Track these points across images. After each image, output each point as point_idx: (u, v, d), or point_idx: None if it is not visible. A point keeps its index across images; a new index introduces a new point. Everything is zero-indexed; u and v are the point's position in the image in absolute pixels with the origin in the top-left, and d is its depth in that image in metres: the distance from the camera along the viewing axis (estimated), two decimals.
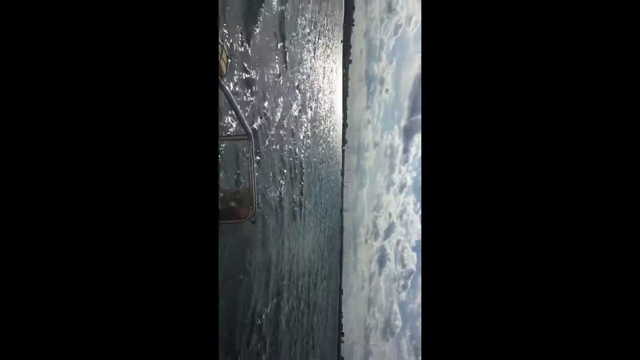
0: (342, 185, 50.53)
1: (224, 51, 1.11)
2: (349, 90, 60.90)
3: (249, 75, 5.70)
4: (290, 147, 9.04)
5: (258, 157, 6.33)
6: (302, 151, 11.06)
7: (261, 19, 6.34)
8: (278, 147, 7.77)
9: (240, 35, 5.31)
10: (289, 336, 8.88)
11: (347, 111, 59.58)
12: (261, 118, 6.48)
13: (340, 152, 42.61)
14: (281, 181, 8.05)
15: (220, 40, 1.05)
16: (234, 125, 4.31)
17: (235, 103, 1.37)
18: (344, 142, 55.84)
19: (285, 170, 8.41)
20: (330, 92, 22.55)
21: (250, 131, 1.77)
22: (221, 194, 1.90)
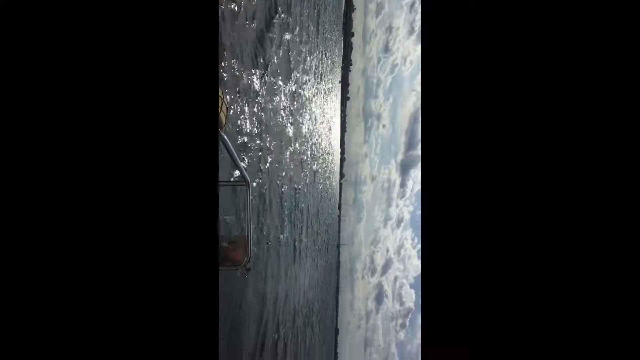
0: (339, 218, 50.24)
1: (223, 103, 1.13)
2: (347, 125, 62.24)
3: (254, 112, 5.95)
4: (290, 186, 9.18)
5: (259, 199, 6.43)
6: (302, 189, 11.20)
7: (269, 63, 6.71)
8: (278, 187, 7.91)
9: (248, 78, 5.61)
10: None
11: (345, 146, 60.56)
12: (263, 158, 6.67)
13: (338, 186, 42.77)
14: (282, 221, 8.11)
15: (220, 93, 1.10)
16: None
17: (234, 151, 1.40)
18: (342, 175, 56.23)
19: (284, 210, 8.50)
20: (329, 130, 23.09)
21: (248, 178, 1.80)
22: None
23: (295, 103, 9.76)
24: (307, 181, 12.54)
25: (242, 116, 5.46)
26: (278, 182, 7.80)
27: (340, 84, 37.24)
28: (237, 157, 1.49)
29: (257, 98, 6.09)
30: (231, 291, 4.95)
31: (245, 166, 5.19)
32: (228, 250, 1.90)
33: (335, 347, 47.98)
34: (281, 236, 8.07)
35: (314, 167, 14.91)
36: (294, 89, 9.44)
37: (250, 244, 1.87)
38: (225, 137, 1.23)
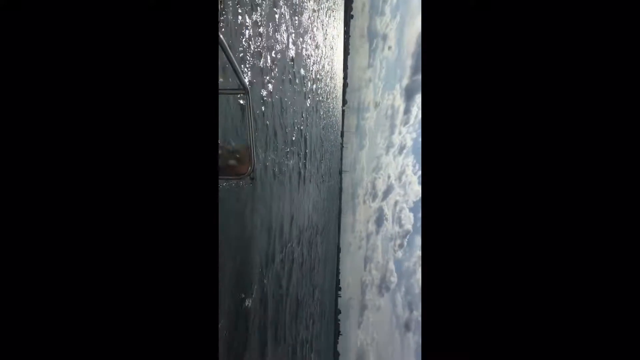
0: (342, 146, 50.32)
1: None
2: (350, 47, 58.69)
3: (255, 30, 5.70)
4: (292, 113, 9.11)
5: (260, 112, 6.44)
6: (304, 116, 11.11)
7: None
8: (280, 110, 7.87)
9: None
10: (290, 296, 9.49)
11: (348, 70, 57.84)
12: (265, 82, 6.54)
13: (340, 113, 42.01)
14: (285, 145, 8.22)
15: None
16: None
17: (232, 56, 1.34)
18: (344, 102, 54.75)
19: (288, 135, 8.55)
20: (331, 53, 21.93)
21: (247, 85, 1.71)
22: (220, 151, 1.81)
23: (295, 23, 9.18)
24: (309, 108, 12.37)
25: (238, 37, 5.23)
26: (280, 111, 7.74)
27: (343, 0, 34.24)
28: (237, 64, 1.42)
29: (253, 16, 5.76)
30: (237, 210, 5.26)
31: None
32: (231, 161, 1.89)
33: (338, 264, 51.86)
34: (285, 162, 8.27)
35: (318, 93, 14.56)
36: (294, 9, 8.81)
37: (253, 154, 1.84)
38: (223, 39, 1.16)
